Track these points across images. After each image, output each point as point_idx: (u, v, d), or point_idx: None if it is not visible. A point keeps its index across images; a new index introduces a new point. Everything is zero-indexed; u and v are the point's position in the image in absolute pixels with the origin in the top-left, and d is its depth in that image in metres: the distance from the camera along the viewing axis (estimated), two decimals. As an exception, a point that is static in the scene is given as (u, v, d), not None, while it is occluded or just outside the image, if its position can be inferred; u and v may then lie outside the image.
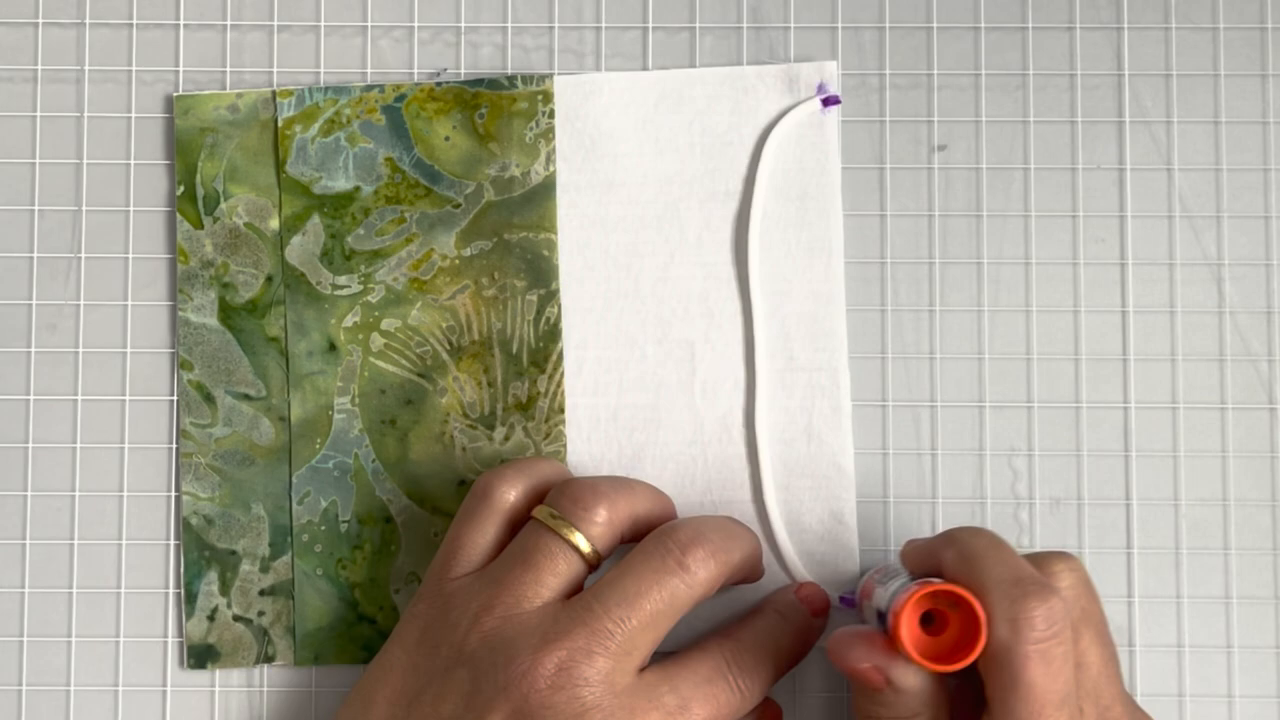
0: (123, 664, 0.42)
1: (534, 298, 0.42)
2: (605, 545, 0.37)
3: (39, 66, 0.43)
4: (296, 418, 0.42)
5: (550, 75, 0.42)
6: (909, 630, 0.33)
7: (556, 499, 0.38)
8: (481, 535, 0.38)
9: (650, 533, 0.37)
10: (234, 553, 0.42)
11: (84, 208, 0.43)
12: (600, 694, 0.35)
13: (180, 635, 0.42)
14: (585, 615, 0.35)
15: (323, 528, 0.42)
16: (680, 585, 0.36)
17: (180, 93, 0.43)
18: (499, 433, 0.42)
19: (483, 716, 0.35)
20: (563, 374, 0.42)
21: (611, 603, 0.35)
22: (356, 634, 0.42)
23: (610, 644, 0.35)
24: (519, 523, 0.39)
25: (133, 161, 0.43)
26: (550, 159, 0.42)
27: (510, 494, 0.38)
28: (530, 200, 0.42)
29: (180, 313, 0.42)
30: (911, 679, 0.34)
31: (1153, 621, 0.41)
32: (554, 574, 0.36)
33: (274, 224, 0.42)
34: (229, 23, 0.43)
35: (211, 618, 0.42)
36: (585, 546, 0.37)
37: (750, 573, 0.39)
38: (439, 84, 0.42)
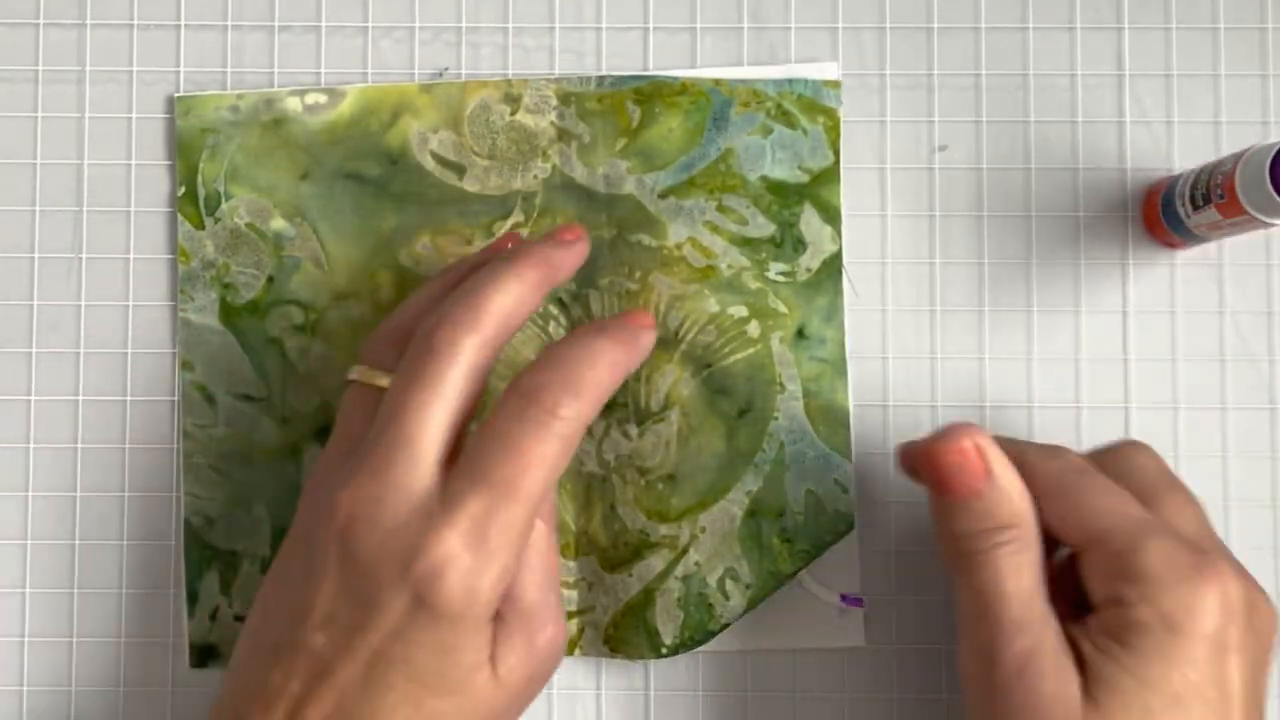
0: (124, 664, 0.42)
1: None
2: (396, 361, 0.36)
3: (40, 67, 0.43)
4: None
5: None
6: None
7: (360, 356, 0.37)
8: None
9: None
10: (235, 553, 0.42)
11: (85, 208, 0.43)
12: (393, 511, 0.33)
13: (182, 635, 0.42)
14: (370, 438, 0.34)
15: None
16: (446, 366, 0.34)
17: (181, 93, 0.43)
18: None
19: (319, 577, 0.33)
20: (564, 374, 0.42)
21: (383, 416, 0.34)
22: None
23: (389, 456, 0.33)
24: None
25: (134, 162, 0.43)
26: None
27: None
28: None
29: (181, 313, 0.42)
30: (1011, 477, 0.35)
31: (1153, 621, 0.41)
32: (363, 421, 0.35)
33: (275, 224, 0.42)
34: (229, 23, 0.43)
35: (213, 617, 0.42)
36: (384, 380, 0.36)
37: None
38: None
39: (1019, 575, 0.34)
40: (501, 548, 0.33)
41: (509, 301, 0.35)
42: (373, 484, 0.33)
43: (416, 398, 0.33)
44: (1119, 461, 0.37)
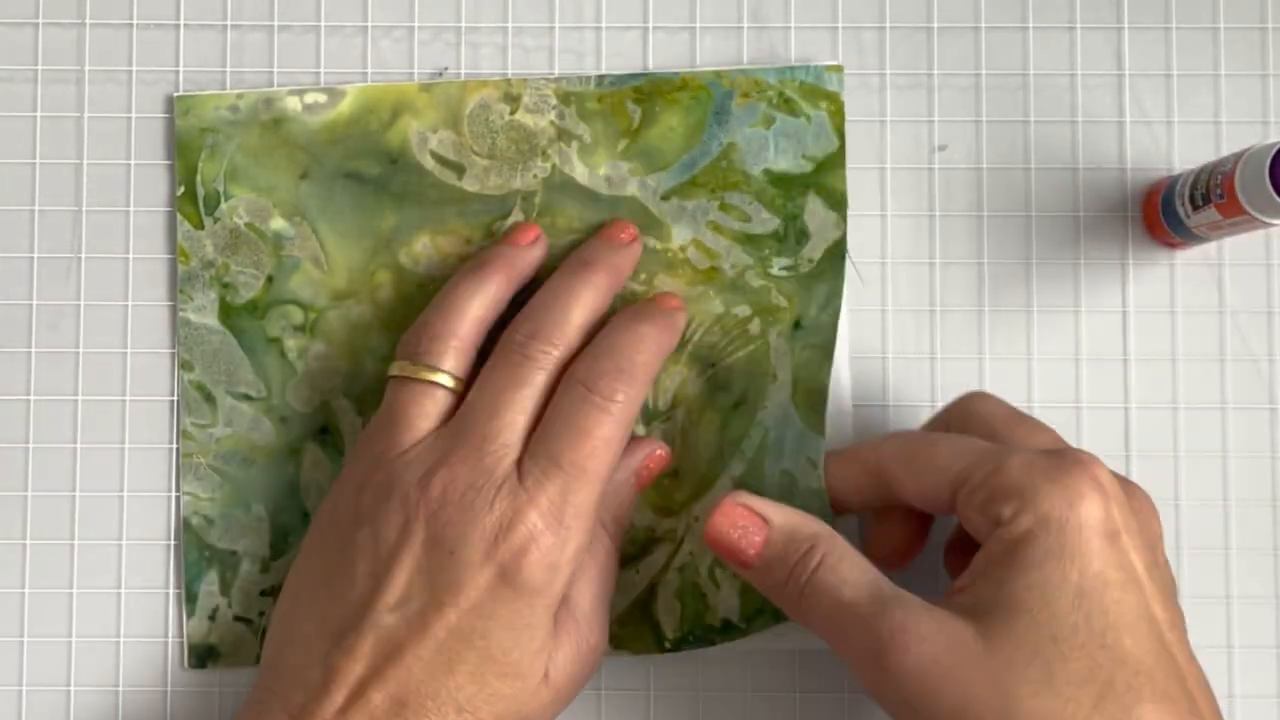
0: (123, 664, 0.42)
1: None
2: (464, 366, 0.38)
3: (39, 67, 0.43)
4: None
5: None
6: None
7: (403, 349, 0.39)
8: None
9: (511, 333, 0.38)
10: (234, 553, 0.42)
11: (84, 208, 0.43)
12: (484, 496, 0.35)
13: (181, 635, 0.42)
14: (458, 431, 0.37)
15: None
16: (537, 372, 0.37)
17: (180, 93, 0.43)
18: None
19: (394, 559, 0.35)
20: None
21: (478, 410, 0.37)
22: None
23: (483, 448, 0.36)
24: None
25: (133, 162, 0.43)
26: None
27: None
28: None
29: (180, 313, 0.42)
30: (784, 511, 0.36)
31: (1153, 621, 0.41)
32: (422, 415, 0.37)
33: (275, 224, 0.42)
34: (229, 23, 0.43)
35: (212, 618, 0.42)
36: (448, 381, 0.38)
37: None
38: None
39: (848, 579, 0.34)
40: (576, 527, 0.36)
41: (589, 313, 0.38)
42: (466, 472, 0.36)
43: (513, 399, 0.37)
44: (961, 415, 0.38)
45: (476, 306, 0.39)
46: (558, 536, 0.35)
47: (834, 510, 0.39)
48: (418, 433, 0.37)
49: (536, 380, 0.37)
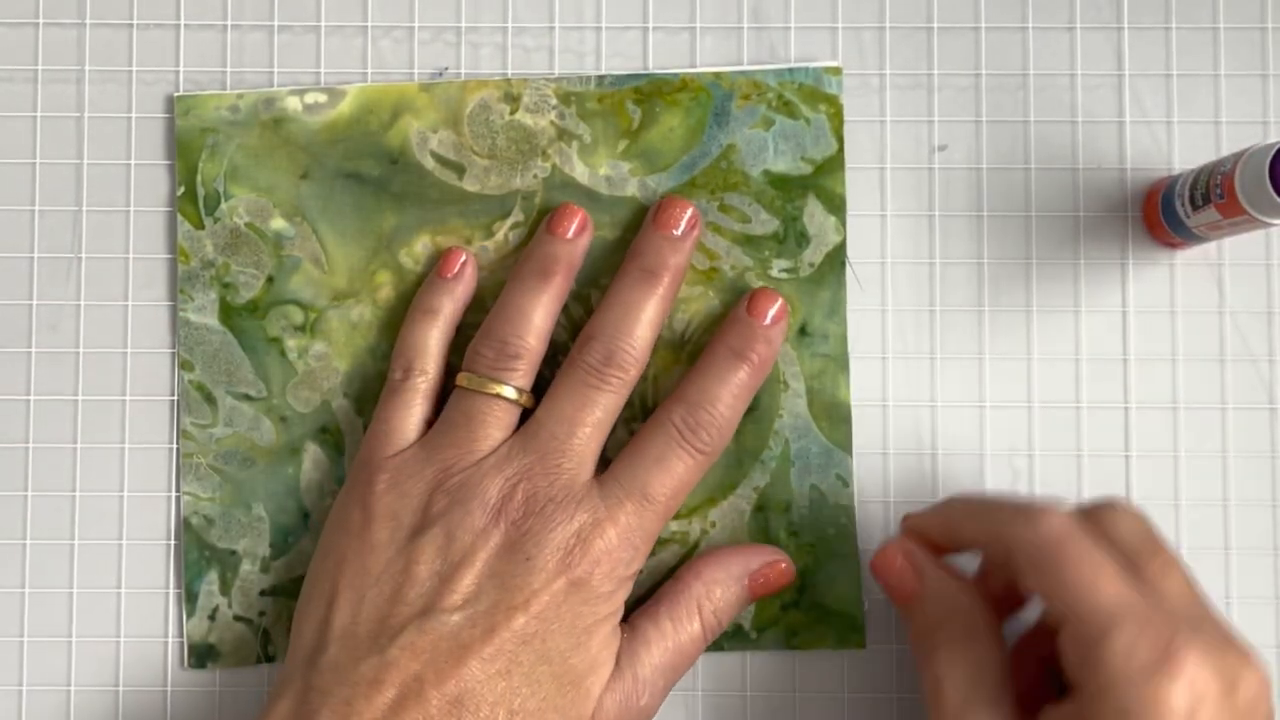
0: (123, 664, 0.42)
1: None
2: (531, 379, 0.40)
3: (39, 66, 0.43)
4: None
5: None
6: None
7: (471, 362, 0.40)
8: (410, 414, 0.40)
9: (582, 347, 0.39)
10: (234, 553, 0.42)
11: (84, 208, 0.43)
12: (564, 509, 0.37)
13: (181, 635, 0.42)
14: (534, 446, 0.38)
15: (323, 528, 0.42)
16: (611, 395, 0.39)
17: (181, 93, 0.43)
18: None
19: (466, 561, 0.37)
20: (564, 374, 0.42)
21: (555, 428, 0.38)
22: (357, 634, 0.42)
23: (561, 464, 0.38)
24: (438, 392, 0.41)
25: (133, 162, 0.43)
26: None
27: (429, 368, 0.40)
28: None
29: (181, 313, 0.42)
30: (939, 577, 0.37)
31: (1153, 621, 0.41)
32: (496, 426, 0.39)
33: (275, 224, 0.42)
34: (229, 23, 0.43)
35: (212, 617, 0.42)
36: (514, 395, 0.39)
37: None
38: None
39: (955, 671, 0.35)
40: (642, 550, 0.38)
41: (658, 328, 0.40)
42: (547, 487, 0.38)
43: (587, 419, 0.39)
44: (1103, 523, 0.36)
45: (541, 318, 0.40)
46: (626, 554, 0.37)
47: (951, 549, 0.39)
48: (492, 443, 0.38)
49: (610, 403, 0.39)
